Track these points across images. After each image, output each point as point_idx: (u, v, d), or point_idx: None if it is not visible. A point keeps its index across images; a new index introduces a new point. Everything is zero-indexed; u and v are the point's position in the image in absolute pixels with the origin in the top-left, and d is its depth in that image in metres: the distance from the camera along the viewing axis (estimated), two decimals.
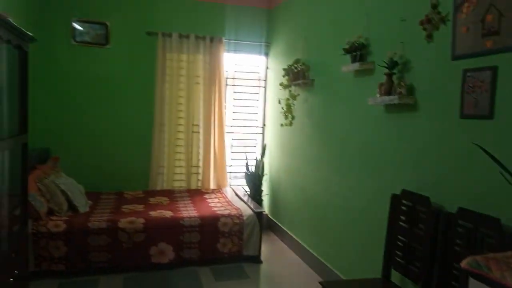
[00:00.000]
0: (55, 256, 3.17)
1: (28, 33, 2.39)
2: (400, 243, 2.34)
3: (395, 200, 2.41)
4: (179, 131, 4.71)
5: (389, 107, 2.62)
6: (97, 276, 3.27)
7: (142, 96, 4.60)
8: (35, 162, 3.82)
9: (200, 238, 3.53)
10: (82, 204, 3.67)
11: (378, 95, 2.59)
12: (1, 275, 2.12)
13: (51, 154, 4.37)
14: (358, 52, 2.87)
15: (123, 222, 3.35)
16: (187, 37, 4.59)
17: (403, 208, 2.34)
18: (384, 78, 2.53)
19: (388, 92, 2.48)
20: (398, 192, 2.41)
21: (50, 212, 3.40)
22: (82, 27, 4.37)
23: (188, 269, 3.50)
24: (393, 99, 2.41)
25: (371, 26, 2.83)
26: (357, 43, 2.87)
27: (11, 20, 2.12)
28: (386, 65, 2.49)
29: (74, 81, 4.40)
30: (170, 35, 4.54)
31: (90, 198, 3.99)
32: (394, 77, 2.49)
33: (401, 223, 2.35)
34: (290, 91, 4.21)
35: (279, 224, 4.56)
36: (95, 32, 4.43)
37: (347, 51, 2.95)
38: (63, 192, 3.55)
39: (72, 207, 3.57)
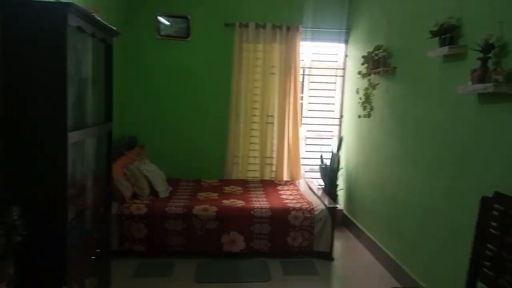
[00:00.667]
0: (136, 237, 3.40)
1: (112, 27, 2.55)
2: (489, 253, 2.04)
3: (486, 203, 2.11)
4: (253, 122, 4.74)
5: (482, 97, 2.29)
6: (173, 259, 3.44)
7: (219, 87, 4.71)
8: (124, 149, 4.14)
9: (270, 230, 3.51)
10: (163, 189, 3.88)
11: (469, 83, 2.28)
12: (85, 252, 2.32)
13: (138, 142, 4.70)
14: (447, 34, 2.55)
15: (197, 209, 3.47)
16: (264, 26, 4.56)
17: (495, 212, 2.04)
18: (477, 64, 2.21)
19: (482, 80, 2.16)
20: (489, 194, 2.10)
21: (134, 196, 3.66)
22: (166, 22, 4.59)
23: (258, 260, 3.51)
24: (488, 87, 2.09)
25: (463, 4, 2.50)
26: (447, 25, 2.55)
27: (97, 16, 2.28)
28: (480, 49, 2.17)
29: (157, 73, 4.66)
30: (246, 26, 4.55)
31: (171, 184, 4.21)
32: (490, 62, 2.16)
33: (491, 229, 2.05)
34: (369, 80, 3.95)
35: (354, 221, 4.35)
36: (178, 25, 4.63)
37: (435, 34, 2.65)
38: (146, 177, 3.79)
39: (153, 192, 3.81)
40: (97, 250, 2.50)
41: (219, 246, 3.46)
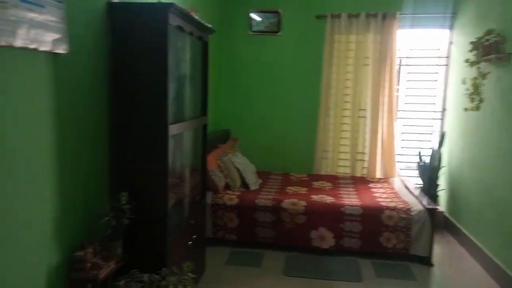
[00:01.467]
0: (229, 227, 3.54)
1: (208, 25, 2.66)
2: None
3: None
4: (344, 116, 4.58)
5: None
6: (263, 250, 3.51)
7: (309, 80, 4.65)
8: (218, 142, 4.34)
9: (362, 228, 3.37)
10: (253, 182, 3.98)
11: None
12: (183, 237, 2.48)
13: (231, 135, 4.88)
14: None
15: (286, 203, 3.48)
16: (357, 16, 4.37)
17: None
18: None
19: None
20: None
21: (226, 186, 3.81)
22: (258, 17, 4.67)
23: (348, 258, 3.39)
24: None
25: None
26: None
27: (195, 15, 2.39)
28: None
29: (249, 68, 4.78)
30: (339, 16, 4.40)
31: (260, 177, 4.30)
32: None
33: None
34: (478, 68, 3.53)
35: (457, 225, 3.95)
36: (269, 20, 4.67)
37: None
38: (237, 169, 3.92)
39: (244, 184, 3.92)
40: (193, 236, 2.66)
41: (308, 240, 3.43)
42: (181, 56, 2.47)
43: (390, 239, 3.35)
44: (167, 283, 1.91)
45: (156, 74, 2.05)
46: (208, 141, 3.98)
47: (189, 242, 2.56)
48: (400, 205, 3.42)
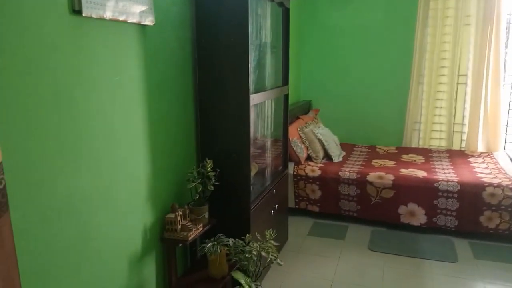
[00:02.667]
0: (311, 198, 3.50)
1: None
2: None
3: None
4: (440, 83, 4.16)
5: None
6: (347, 223, 3.42)
7: (400, 45, 4.29)
8: (299, 112, 4.27)
9: (459, 206, 3.07)
10: (336, 154, 3.85)
11: None
12: (266, 205, 2.51)
13: (313, 106, 4.77)
14: None
15: (371, 176, 3.32)
16: None
17: None
18: None
19: None
20: None
21: (308, 158, 3.75)
22: None
23: (441, 237, 3.14)
24: None
25: None
26: None
27: None
28: None
29: (332, 34, 4.55)
30: None
31: (344, 149, 4.16)
32: None
33: None
34: None
35: None
36: None
37: None
38: (320, 141, 3.83)
39: (327, 155, 3.82)
40: (275, 205, 2.68)
41: (395, 216, 3.25)
42: (262, 24, 2.43)
43: (492, 218, 3.01)
44: (251, 248, 1.96)
45: (237, 42, 2.04)
46: (290, 112, 3.95)
47: (271, 211, 2.58)
48: (506, 182, 3.03)
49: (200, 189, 2.00)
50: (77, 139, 1.40)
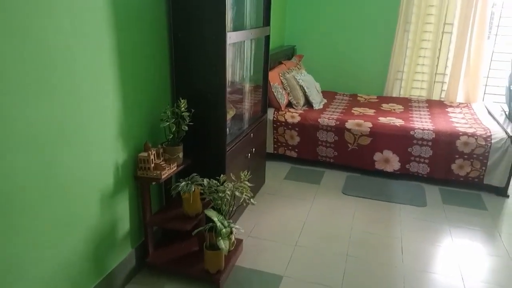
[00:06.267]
0: (290, 144, 3.53)
1: None
2: None
3: None
4: (426, 31, 4.10)
5: None
6: (323, 169, 3.49)
7: None
8: (282, 58, 4.18)
9: (432, 154, 3.15)
10: (317, 101, 3.83)
11: None
12: (242, 148, 2.51)
13: (296, 52, 4.66)
14: None
15: (350, 123, 3.34)
16: None
17: None
18: None
19: None
20: None
21: (289, 104, 3.73)
22: None
23: (413, 183, 3.25)
24: None
25: None
26: None
27: None
28: None
29: None
30: None
31: (326, 96, 4.14)
32: None
33: None
34: None
35: None
36: None
37: None
38: (301, 87, 3.78)
39: (308, 102, 3.80)
40: (252, 149, 2.68)
41: (370, 163, 3.32)
42: None
43: (464, 167, 3.11)
44: (224, 188, 1.98)
45: None
46: (272, 57, 3.86)
47: (247, 154, 2.59)
48: (480, 132, 3.10)
49: (174, 128, 1.97)
50: (34, 68, 1.31)
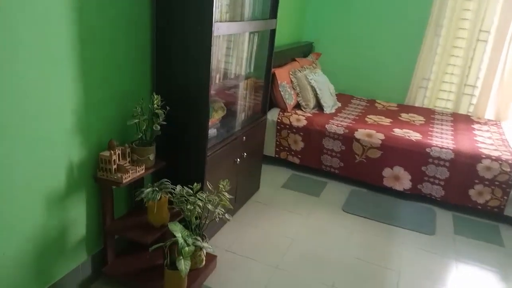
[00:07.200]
0: (293, 149, 3.25)
1: None
2: None
3: None
4: (458, 37, 3.70)
5: None
6: (326, 179, 3.20)
7: None
8: (297, 54, 3.88)
9: (449, 175, 2.81)
10: (329, 104, 3.53)
11: None
12: (230, 153, 2.26)
13: (314, 49, 4.35)
14: None
15: (360, 133, 3.03)
16: None
17: None
18: None
19: None
20: None
21: (298, 106, 3.45)
22: None
23: (423, 206, 2.92)
24: None
25: None
26: None
27: None
28: None
29: None
30: None
31: (341, 100, 3.84)
32: None
33: None
34: None
35: None
36: None
37: None
38: (312, 88, 3.48)
39: (319, 105, 3.50)
40: (243, 153, 2.43)
41: (379, 178, 3.00)
42: None
43: (483, 194, 2.75)
44: (194, 199, 1.74)
45: None
46: (285, 53, 3.58)
47: (236, 159, 2.34)
48: (506, 156, 2.73)
49: (144, 127, 1.75)
50: None
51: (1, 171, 1.31)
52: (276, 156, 3.33)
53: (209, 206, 1.78)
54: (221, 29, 1.82)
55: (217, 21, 1.78)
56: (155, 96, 1.74)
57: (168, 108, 1.79)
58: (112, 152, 1.66)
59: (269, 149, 3.31)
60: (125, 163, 1.73)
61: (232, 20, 1.99)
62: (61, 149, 1.54)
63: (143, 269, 1.87)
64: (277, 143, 3.30)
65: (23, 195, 1.41)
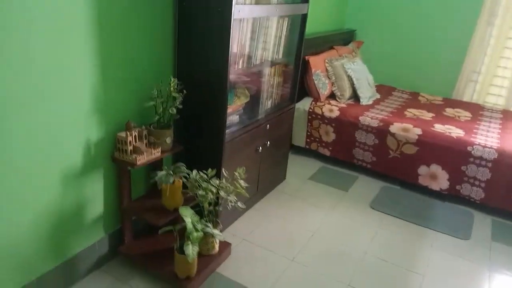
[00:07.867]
0: (324, 140, 3.15)
1: None
2: None
3: None
4: None
5: None
6: (357, 174, 3.08)
7: None
8: (337, 42, 3.73)
9: (490, 177, 2.58)
10: (366, 95, 3.37)
11: None
12: (251, 141, 2.22)
13: (356, 37, 4.17)
14: None
15: (395, 127, 2.86)
16: None
17: None
18: None
19: None
20: None
21: (332, 95, 3.32)
22: None
23: (461, 208, 2.72)
24: None
25: None
26: None
27: None
28: None
29: None
30: None
31: (381, 91, 3.66)
32: None
33: None
34: None
35: None
36: None
37: None
38: (349, 77, 3.34)
39: (356, 95, 3.36)
40: (267, 142, 2.38)
41: (413, 176, 2.83)
42: None
43: None
44: (206, 185, 1.73)
45: None
46: (324, 39, 3.45)
47: (258, 148, 2.29)
48: None
49: (161, 110, 1.75)
50: None
51: (21, 148, 1.36)
52: (307, 147, 3.25)
53: (222, 193, 1.76)
54: (242, 11, 1.76)
55: (238, 3, 1.72)
56: (172, 79, 1.73)
57: (185, 92, 1.78)
58: (129, 133, 1.68)
59: (300, 140, 3.23)
60: (141, 145, 1.74)
61: (257, 3, 1.92)
62: (79, 128, 1.57)
63: (158, 251, 1.89)
64: (308, 133, 3.21)
65: (41, 170, 1.46)
